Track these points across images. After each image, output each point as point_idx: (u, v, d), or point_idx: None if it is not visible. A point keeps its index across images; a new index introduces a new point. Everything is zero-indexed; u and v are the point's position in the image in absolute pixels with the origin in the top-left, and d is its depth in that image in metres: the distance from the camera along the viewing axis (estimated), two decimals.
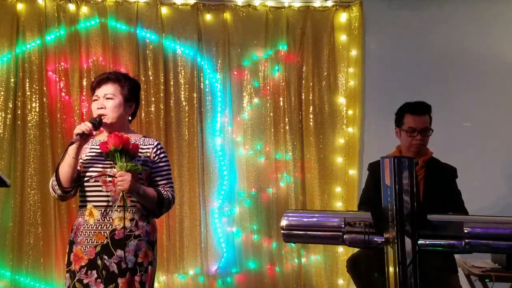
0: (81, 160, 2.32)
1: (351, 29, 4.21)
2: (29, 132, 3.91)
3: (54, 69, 3.97)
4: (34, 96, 3.93)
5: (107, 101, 2.33)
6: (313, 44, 4.19)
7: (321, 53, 4.20)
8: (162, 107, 4.05)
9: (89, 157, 2.33)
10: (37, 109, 3.93)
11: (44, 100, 3.93)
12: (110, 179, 2.26)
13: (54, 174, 2.27)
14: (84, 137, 2.23)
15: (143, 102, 4.03)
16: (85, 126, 2.22)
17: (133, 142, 2.28)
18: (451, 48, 4.17)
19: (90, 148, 2.36)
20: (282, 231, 2.11)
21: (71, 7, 4.00)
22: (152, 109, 4.05)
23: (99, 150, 2.30)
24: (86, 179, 2.28)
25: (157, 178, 2.39)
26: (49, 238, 3.88)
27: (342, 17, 4.23)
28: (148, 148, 2.38)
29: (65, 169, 2.23)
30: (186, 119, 4.08)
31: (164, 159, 2.43)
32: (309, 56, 4.19)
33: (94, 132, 2.30)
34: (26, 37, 3.95)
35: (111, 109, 2.33)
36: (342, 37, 4.23)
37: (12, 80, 3.92)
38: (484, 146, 4.09)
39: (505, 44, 4.17)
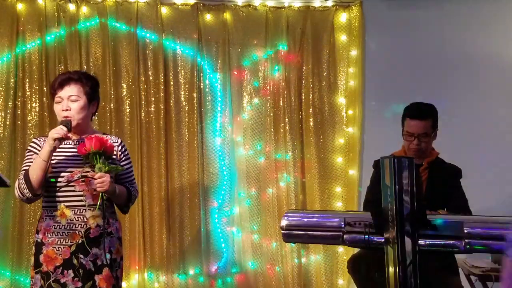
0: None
1: (351, 29, 4.22)
2: (29, 132, 3.90)
3: (54, 69, 3.96)
4: (34, 96, 3.93)
5: (72, 103, 2.33)
6: (313, 44, 4.19)
7: (321, 53, 4.20)
8: (162, 107, 4.05)
9: (59, 159, 2.32)
10: (37, 109, 3.93)
11: (44, 100, 3.92)
12: (83, 179, 2.28)
13: (22, 178, 2.27)
14: (60, 141, 2.25)
15: (143, 102, 4.03)
16: (62, 130, 2.23)
17: (109, 143, 2.30)
18: (451, 48, 4.17)
19: (59, 151, 2.33)
20: (282, 231, 2.12)
21: (71, 7, 3.99)
22: (152, 109, 4.05)
23: (67, 153, 2.33)
24: (59, 182, 2.28)
25: (124, 176, 2.47)
26: None
27: (342, 17, 4.23)
28: (113, 147, 2.39)
29: (37, 173, 2.23)
30: (186, 119, 4.08)
31: (127, 157, 2.51)
32: (309, 56, 4.19)
33: (69, 134, 2.30)
34: (26, 37, 3.94)
35: (77, 111, 2.34)
36: (342, 37, 4.23)
37: (12, 80, 3.92)
38: (485, 145, 4.08)
39: (506, 44, 4.16)
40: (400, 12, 4.20)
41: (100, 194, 2.24)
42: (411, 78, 4.16)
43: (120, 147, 2.45)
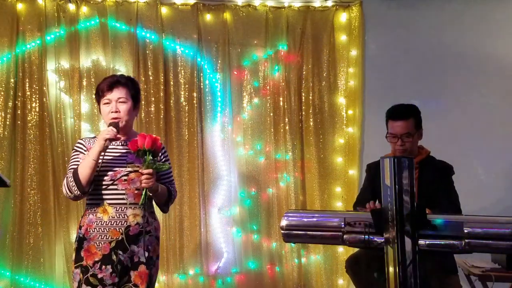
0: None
1: (351, 29, 4.22)
2: (29, 132, 3.91)
3: (54, 69, 3.96)
4: (34, 96, 3.93)
5: (120, 104, 2.43)
6: (313, 44, 4.19)
7: (321, 53, 4.20)
8: (162, 107, 4.05)
9: (106, 159, 2.41)
10: (37, 109, 3.93)
11: (44, 100, 3.92)
12: (126, 177, 2.37)
13: (71, 176, 2.35)
14: (110, 142, 2.35)
15: (143, 102, 4.03)
16: (112, 131, 2.34)
17: (159, 142, 2.38)
18: (451, 48, 4.17)
19: (106, 151, 2.43)
20: (282, 231, 2.11)
21: (71, 7, 4.00)
22: (152, 109, 4.05)
23: (115, 153, 2.44)
24: (105, 180, 2.37)
25: (164, 176, 2.55)
26: (49, 238, 3.88)
27: (342, 17, 4.23)
28: (161, 147, 2.48)
29: (86, 171, 2.32)
30: (186, 119, 4.08)
31: (167, 158, 2.60)
32: (309, 56, 4.19)
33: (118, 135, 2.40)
34: (26, 37, 3.95)
35: (125, 113, 2.45)
36: (342, 37, 4.23)
37: (12, 80, 3.92)
38: (486, 145, 4.09)
39: (506, 44, 4.17)
40: (400, 12, 4.21)
41: (144, 191, 2.32)
42: (411, 78, 4.16)
43: (161, 149, 2.51)
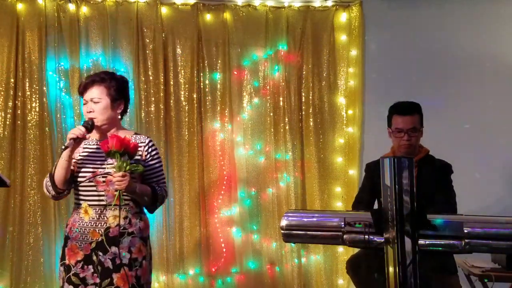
0: (74, 160, 2.39)
1: (351, 29, 4.22)
2: (29, 132, 3.91)
3: (54, 69, 3.96)
4: (34, 96, 3.93)
5: (94, 104, 2.41)
6: (313, 44, 4.19)
7: (321, 53, 4.20)
8: (162, 107, 4.05)
9: (82, 157, 2.42)
10: (37, 109, 3.93)
11: (44, 100, 3.92)
12: (103, 179, 2.35)
13: (48, 176, 2.38)
14: (78, 141, 2.33)
15: (143, 102, 4.03)
16: (79, 130, 2.32)
17: (132, 142, 2.34)
18: (451, 48, 4.17)
19: (83, 148, 2.44)
20: (282, 231, 2.11)
21: (71, 7, 3.99)
22: (152, 109, 4.05)
23: (91, 150, 2.43)
24: (79, 180, 2.37)
25: (150, 176, 2.48)
26: (49, 238, 3.88)
27: (342, 17, 4.23)
28: (140, 147, 2.44)
29: (58, 171, 2.33)
30: (186, 119, 4.08)
31: (155, 157, 2.51)
32: (309, 56, 4.19)
33: (88, 135, 2.39)
34: (26, 37, 3.94)
35: (99, 112, 2.41)
36: (342, 37, 4.23)
37: (12, 80, 3.92)
38: (485, 145, 4.08)
39: (506, 43, 4.16)
40: (400, 12, 4.20)
41: (118, 192, 2.29)
42: (411, 78, 4.16)
43: (146, 147, 2.47)
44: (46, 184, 2.40)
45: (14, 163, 3.89)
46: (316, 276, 4.16)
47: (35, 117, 3.92)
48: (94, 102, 2.41)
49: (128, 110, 2.61)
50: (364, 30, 4.21)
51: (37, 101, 3.93)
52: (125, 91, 2.54)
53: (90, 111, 2.40)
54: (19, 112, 3.92)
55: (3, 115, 3.90)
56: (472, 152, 4.04)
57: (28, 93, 3.93)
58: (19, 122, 3.91)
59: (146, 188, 2.43)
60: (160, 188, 2.49)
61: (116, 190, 2.30)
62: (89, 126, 2.37)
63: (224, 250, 4.10)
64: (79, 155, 2.41)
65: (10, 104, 3.91)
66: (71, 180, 2.39)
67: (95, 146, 2.44)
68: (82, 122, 2.40)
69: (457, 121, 4.11)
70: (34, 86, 3.94)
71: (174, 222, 4.02)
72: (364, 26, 4.21)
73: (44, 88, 3.93)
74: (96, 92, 2.41)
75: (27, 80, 3.93)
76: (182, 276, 4.03)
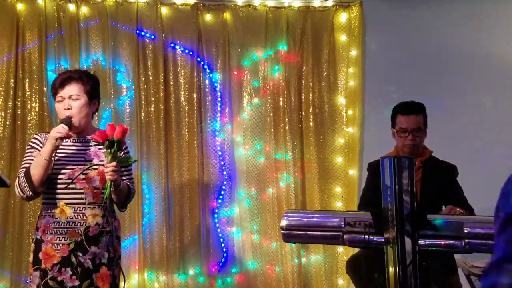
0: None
1: (351, 29, 4.22)
2: (29, 132, 3.90)
3: (54, 69, 3.96)
4: (34, 96, 3.93)
5: (73, 101, 2.36)
6: (313, 44, 4.19)
7: (321, 53, 4.20)
8: (162, 107, 4.05)
9: (60, 157, 2.34)
10: (37, 109, 3.93)
11: (44, 100, 3.92)
12: (83, 176, 2.31)
13: (23, 176, 2.28)
14: (62, 140, 2.28)
15: (143, 102, 4.03)
16: (64, 129, 2.26)
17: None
18: (451, 48, 4.17)
19: (60, 148, 2.35)
20: (282, 231, 2.12)
21: (71, 7, 3.99)
22: (152, 109, 4.05)
23: (68, 150, 2.36)
24: (70, 181, 2.30)
25: (123, 173, 2.46)
26: None
27: (342, 17, 4.23)
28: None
29: (39, 171, 2.25)
30: (186, 119, 4.08)
31: (128, 154, 2.53)
32: (309, 56, 4.19)
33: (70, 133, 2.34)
34: (26, 37, 3.94)
35: (78, 110, 2.37)
36: (342, 37, 4.23)
37: (12, 80, 3.92)
38: (485, 146, 4.08)
39: (506, 43, 4.16)
40: (400, 11, 4.20)
41: (108, 184, 2.25)
42: (411, 78, 4.16)
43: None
44: (21, 184, 2.29)
45: (14, 163, 3.88)
46: (316, 276, 4.16)
47: (35, 117, 3.92)
48: (73, 99, 2.35)
49: (97, 111, 2.59)
50: (364, 30, 4.21)
51: (37, 101, 3.93)
52: (98, 90, 2.52)
53: (68, 108, 2.35)
54: (19, 112, 3.91)
55: (3, 115, 3.90)
56: (472, 152, 4.04)
57: (28, 93, 3.93)
58: (19, 122, 3.91)
59: (125, 185, 2.43)
60: (132, 186, 2.50)
61: (99, 188, 2.29)
62: (69, 124, 2.32)
63: (224, 250, 4.10)
64: (57, 155, 2.33)
65: (10, 104, 3.90)
66: (47, 179, 2.31)
67: (71, 144, 2.39)
68: (60, 120, 2.34)
69: (457, 120, 4.11)
70: (34, 86, 3.93)
71: (174, 222, 4.02)
72: (364, 26, 4.21)
73: (44, 88, 3.92)
74: (76, 89, 2.37)
75: (27, 80, 3.93)
76: (182, 276, 4.03)
